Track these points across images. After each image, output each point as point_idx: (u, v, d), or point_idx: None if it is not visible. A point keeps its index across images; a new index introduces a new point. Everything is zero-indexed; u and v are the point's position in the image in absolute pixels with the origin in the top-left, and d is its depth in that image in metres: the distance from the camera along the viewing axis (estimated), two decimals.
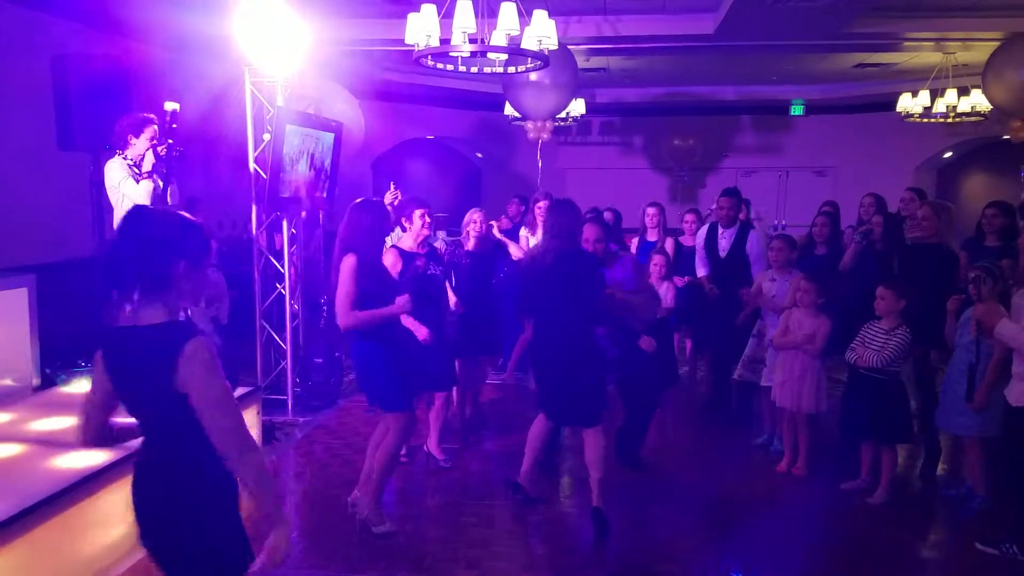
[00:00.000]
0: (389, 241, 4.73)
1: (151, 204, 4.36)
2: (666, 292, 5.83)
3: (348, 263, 3.72)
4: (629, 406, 4.88)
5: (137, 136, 4.37)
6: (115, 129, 4.44)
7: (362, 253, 3.75)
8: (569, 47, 7.71)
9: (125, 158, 4.39)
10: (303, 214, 6.35)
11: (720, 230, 5.81)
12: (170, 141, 4.42)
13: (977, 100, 8.65)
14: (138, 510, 2.14)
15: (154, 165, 4.38)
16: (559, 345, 3.98)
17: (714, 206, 6.44)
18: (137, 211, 2.12)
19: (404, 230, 4.67)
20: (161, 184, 4.44)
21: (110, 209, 4.53)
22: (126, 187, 4.32)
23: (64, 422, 4.31)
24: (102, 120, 5.79)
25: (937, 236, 4.89)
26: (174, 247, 2.00)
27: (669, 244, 6.63)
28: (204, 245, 2.11)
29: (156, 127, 4.43)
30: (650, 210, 6.79)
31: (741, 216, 6.09)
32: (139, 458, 2.16)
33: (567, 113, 10.19)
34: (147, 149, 4.36)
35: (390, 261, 4.36)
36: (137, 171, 4.36)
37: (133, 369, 2.01)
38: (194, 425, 1.96)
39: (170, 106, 4.45)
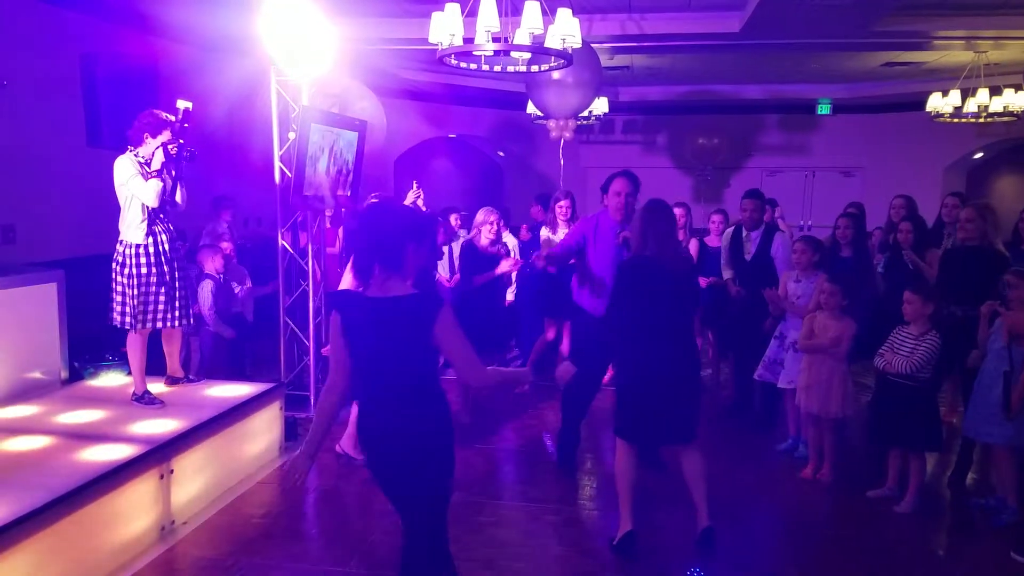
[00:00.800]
0: None
1: (158, 204, 4.33)
2: None
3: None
4: None
5: (154, 136, 4.32)
6: (135, 123, 4.38)
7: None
8: (593, 45, 7.67)
9: (136, 155, 4.34)
10: (328, 212, 6.38)
11: (745, 232, 5.76)
12: (181, 141, 4.35)
13: (1009, 100, 8.49)
14: (394, 443, 2.61)
15: (163, 164, 4.31)
16: (664, 358, 3.68)
17: (715, 216, 6.42)
18: (373, 207, 2.82)
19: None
20: (169, 183, 4.38)
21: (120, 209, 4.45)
22: (134, 184, 4.28)
23: (91, 415, 4.38)
24: (131, 119, 5.88)
25: (981, 238, 4.82)
26: (406, 232, 2.55)
27: (693, 245, 6.59)
28: (427, 229, 2.70)
29: (170, 132, 4.36)
30: (677, 210, 6.74)
31: (766, 218, 6.03)
32: (381, 403, 2.61)
33: (590, 112, 10.15)
34: (157, 148, 4.30)
35: None
36: (146, 168, 4.30)
37: (391, 327, 2.53)
38: (434, 367, 2.62)
39: (183, 104, 4.37)
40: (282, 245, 6.08)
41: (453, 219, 7.32)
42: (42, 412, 4.42)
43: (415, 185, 5.84)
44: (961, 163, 12.68)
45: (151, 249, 4.39)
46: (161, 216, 4.45)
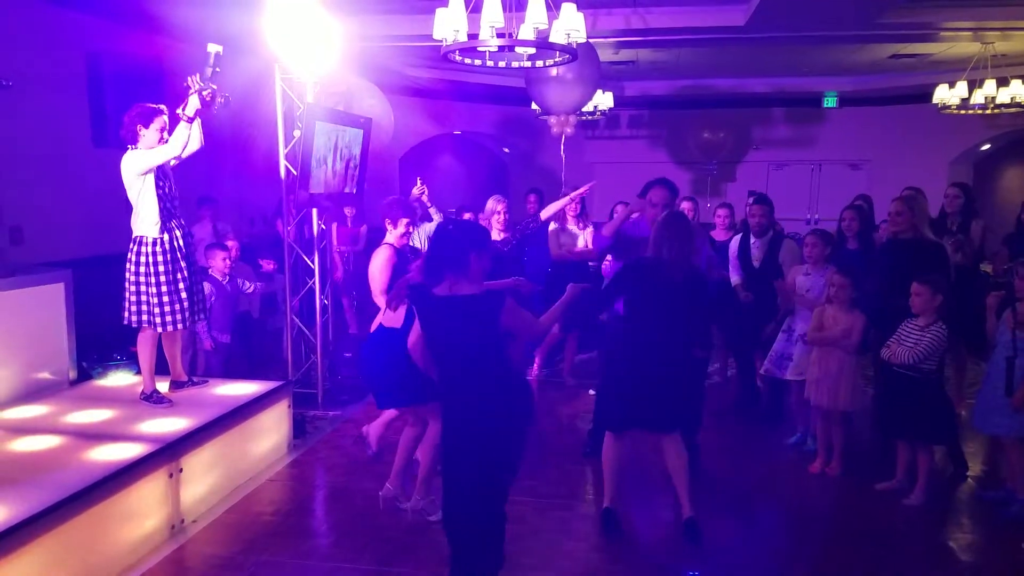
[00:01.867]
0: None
1: (182, 150, 4.19)
2: None
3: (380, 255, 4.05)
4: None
5: (147, 126, 4.24)
6: (123, 122, 4.28)
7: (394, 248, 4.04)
8: (597, 40, 7.65)
9: (138, 149, 4.27)
10: (349, 212, 6.35)
11: (752, 239, 5.75)
12: (214, 87, 4.20)
13: (1017, 91, 8.43)
14: (481, 426, 3.04)
15: (197, 111, 4.17)
16: (653, 354, 3.84)
17: (720, 210, 6.38)
18: (441, 226, 3.26)
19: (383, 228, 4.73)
20: (197, 136, 4.26)
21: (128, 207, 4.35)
22: (152, 157, 4.15)
23: (100, 415, 4.39)
24: None
25: (912, 230, 4.79)
26: (468, 243, 3.05)
27: None
28: (485, 239, 3.17)
29: (167, 118, 4.27)
30: (684, 205, 6.73)
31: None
32: (457, 389, 3.09)
33: (594, 106, 10.13)
34: (192, 94, 4.14)
35: (376, 260, 4.41)
36: (180, 113, 4.16)
37: (464, 321, 3.00)
38: (504, 353, 3.12)
39: (213, 48, 4.21)
40: (288, 243, 6.09)
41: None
42: (51, 412, 4.44)
43: (419, 181, 5.83)
44: (968, 155, 12.62)
45: (167, 246, 4.34)
46: (175, 212, 4.41)
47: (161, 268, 4.33)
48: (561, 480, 4.68)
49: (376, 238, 4.80)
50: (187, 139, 4.20)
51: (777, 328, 5.29)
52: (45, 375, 4.87)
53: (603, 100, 10.25)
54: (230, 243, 6.28)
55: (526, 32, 4.67)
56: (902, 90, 11.60)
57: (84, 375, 5.19)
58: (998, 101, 8.50)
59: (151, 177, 4.27)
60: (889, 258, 4.93)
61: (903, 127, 12.09)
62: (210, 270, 5.94)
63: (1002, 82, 8.48)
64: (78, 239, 6.18)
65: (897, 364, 4.29)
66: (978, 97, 8.52)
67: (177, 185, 4.47)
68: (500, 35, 4.60)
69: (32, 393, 4.68)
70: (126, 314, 4.41)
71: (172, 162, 4.34)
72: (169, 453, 3.89)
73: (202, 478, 4.16)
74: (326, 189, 5.95)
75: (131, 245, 4.37)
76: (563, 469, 4.86)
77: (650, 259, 3.91)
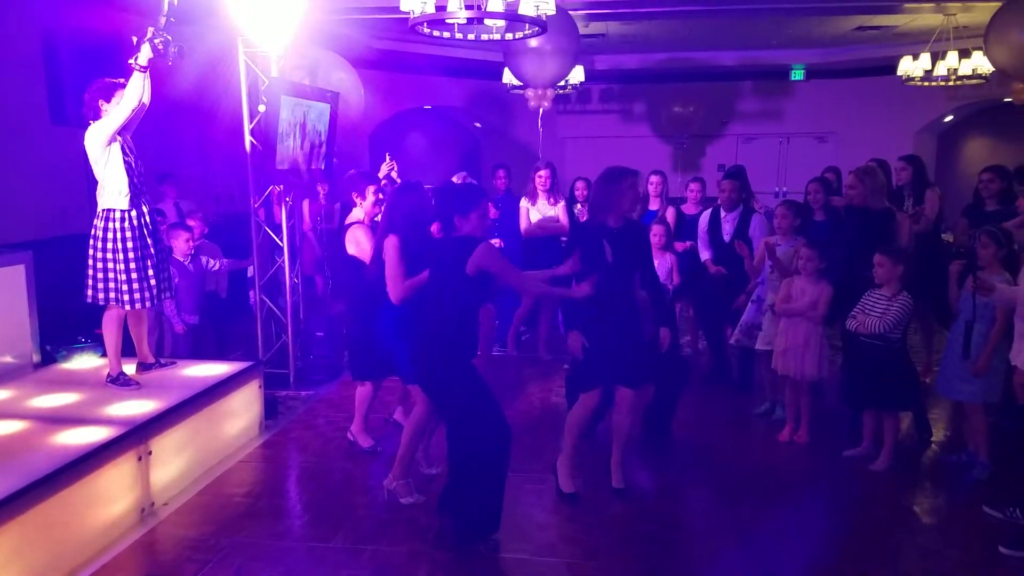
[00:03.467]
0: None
1: (149, 99, 4.10)
2: (669, 264, 5.82)
3: (391, 243, 3.96)
4: (659, 381, 4.81)
5: (108, 100, 4.14)
6: (84, 99, 4.18)
7: (403, 234, 3.97)
8: (568, 12, 7.58)
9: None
10: (323, 189, 6.28)
11: (723, 213, 5.78)
12: (168, 36, 4.04)
13: (978, 62, 8.52)
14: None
15: (151, 61, 4.03)
16: (621, 313, 3.97)
17: (693, 184, 6.41)
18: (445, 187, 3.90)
19: (353, 205, 4.68)
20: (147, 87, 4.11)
21: (88, 186, 4.27)
22: (117, 114, 4.04)
23: (65, 398, 4.32)
24: None
25: (864, 199, 4.93)
26: (467, 204, 3.55)
27: (670, 213, 6.59)
28: (482, 199, 3.62)
29: (155, 28, 4.06)
30: (653, 178, 6.74)
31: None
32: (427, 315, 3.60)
33: (566, 81, 10.06)
34: (144, 43, 3.98)
35: (359, 236, 4.41)
36: (132, 63, 4.02)
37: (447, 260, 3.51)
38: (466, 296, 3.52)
39: None
40: (255, 221, 6.00)
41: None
42: (15, 396, 4.35)
43: (388, 157, 5.75)
44: (932, 126, 12.78)
45: (135, 221, 4.23)
46: (142, 188, 4.29)
47: (130, 244, 4.22)
48: (533, 455, 4.70)
49: (343, 217, 4.76)
50: (142, 89, 4.06)
51: (747, 299, 5.34)
52: (8, 359, 4.77)
53: (574, 74, 10.19)
54: (193, 223, 6.16)
55: (495, 4, 4.61)
56: (867, 62, 11.68)
57: (48, 358, 5.10)
58: (960, 73, 8.59)
59: (117, 148, 4.16)
60: (845, 229, 5.08)
61: (869, 99, 12.19)
62: (172, 252, 5.82)
63: (964, 54, 8.57)
64: (38, 219, 6.04)
65: (864, 334, 4.36)
66: (941, 69, 8.60)
67: (141, 163, 4.35)
68: (469, 7, 4.54)
69: None
70: (90, 291, 4.28)
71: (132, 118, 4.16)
72: (137, 436, 3.84)
73: (172, 460, 4.12)
74: (292, 165, 5.86)
75: (96, 221, 4.24)
76: (534, 446, 4.88)
77: (597, 222, 4.00)
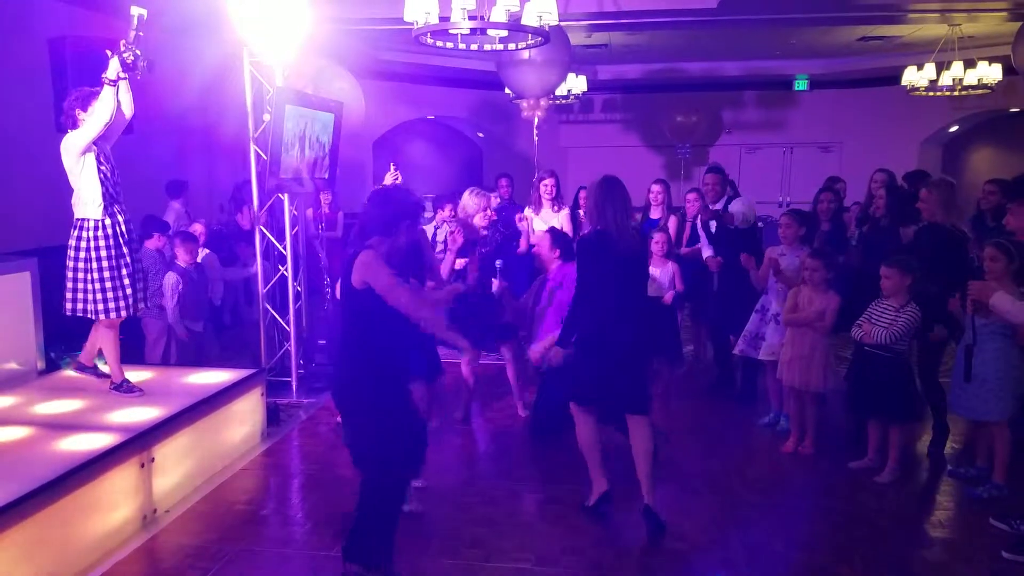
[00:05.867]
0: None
1: (110, 114, 4.03)
2: (671, 272, 5.82)
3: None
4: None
5: (84, 109, 4.11)
6: (63, 108, 4.16)
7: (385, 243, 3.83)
8: (569, 23, 7.62)
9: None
10: (327, 198, 6.29)
11: (709, 206, 5.81)
12: (138, 52, 4.05)
13: (984, 72, 8.54)
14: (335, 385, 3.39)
15: (119, 75, 4.03)
16: (621, 329, 3.75)
17: (690, 195, 6.43)
18: (380, 191, 3.46)
19: None
20: (127, 102, 4.12)
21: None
22: (88, 127, 4.02)
23: (69, 405, 4.32)
24: None
25: (933, 216, 4.74)
26: (401, 211, 3.19)
27: (672, 222, 6.60)
28: (418, 208, 3.31)
29: (126, 41, 4.06)
30: (655, 187, 6.76)
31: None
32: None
33: (568, 90, 10.11)
34: (112, 58, 4.00)
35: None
36: (102, 77, 4.02)
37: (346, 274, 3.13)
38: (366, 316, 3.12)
39: (137, 11, 4.08)
40: (259, 229, 6.02)
41: (448, 210, 7.10)
42: (19, 403, 4.36)
43: (392, 167, 5.77)
44: (937, 136, 12.80)
45: (110, 230, 4.19)
46: (117, 197, 4.25)
47: (104, 253, 4.18)
48: (532, 463, 4.69)
49: (353, 224, 4.73)
50: (113, 103, 4.04)
51: (750, 296, 5.33)
52: (12, 365, 4.78)
53: (576, 84, 10.24)
54: (196, 227, 6.18)
55: (498, 14, 4.64)
56: (871, 72, 11.72)
57: (52, 365, 5.11)
58: (965, 83, 8.61)
59: (92, 158, 4.12)
60: (920, 246, 4.81)
61: (873, 110, 12.22)
62: (176, 259, 5.84)
63: (969, 64, 8.59)
64: (43, 228, 6.05)
65: (869, 344, 4.34)
66: (946, 79, 8.63)
67: (119, 171, 4.29)
68: (472, 17, 4.56)
69: None
70: (69, 304, 4.23)
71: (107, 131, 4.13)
72: (140, 443, 3.84)
73: (174, 468, 4.12)
74: (296, 174, 5.88)
75: (72, 231, 4.21)
76: (535, 453, 4.87)
77: (599, 233, 3.77)
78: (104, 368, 4.67)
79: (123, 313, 4.32)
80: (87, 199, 4.16)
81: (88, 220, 4.18)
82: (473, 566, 3.51)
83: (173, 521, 3.93)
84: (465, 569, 3.48)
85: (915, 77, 8.81)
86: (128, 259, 4.29)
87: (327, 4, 7.15)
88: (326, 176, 6.36)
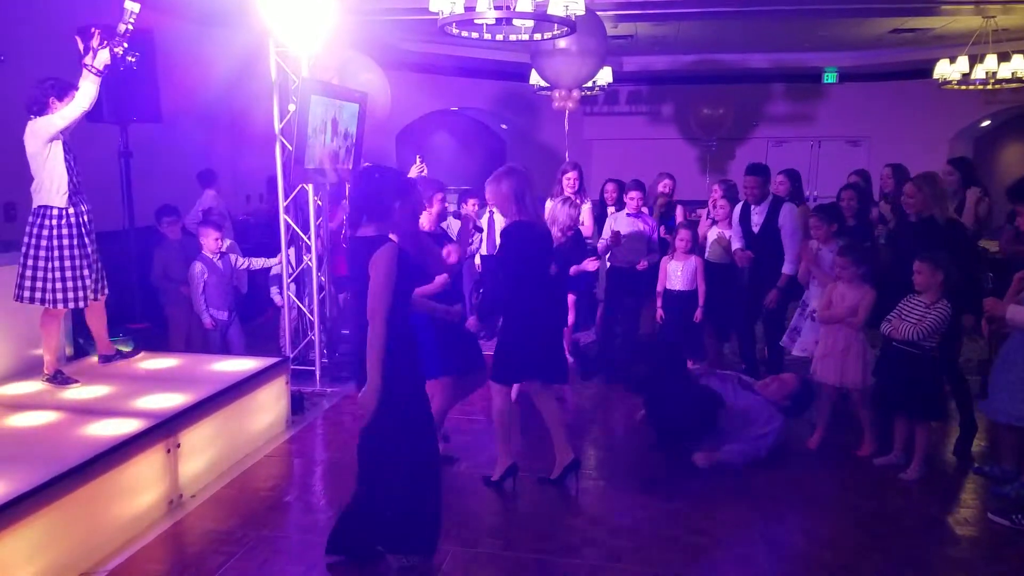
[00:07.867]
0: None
1: (90, 104, 4.06)
2: (694, 266, 5.80)
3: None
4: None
5: (61, 100, 4.10)
6: (35, 94, 4.12)
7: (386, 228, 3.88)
8: (597, 13, 7.56)
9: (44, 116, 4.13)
10: (327, 186, 6.34)
11: (752, 207, 5.74)
12: (126, 45, 4.07)
13: (1018, 66, 8.36)
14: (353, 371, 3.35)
15: (107, 66, 4.04)
16: (548, 307, 4.14)
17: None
18: (367, 170, 3.29)
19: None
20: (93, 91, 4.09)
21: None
22: (59, 119, 4.02)
23: (97, 391, 4.39)
24: (130, 92, 5.81)
25: (927, 209, 4.69)
26: (393, 192, 3.10)
27: (679, 211, 6.66)
28: (411, 189, 3.22)
29: (119, 35, 4.12)
30: (664, 181, 6.87)
31: (780, 191, 6.00)
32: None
33: (593, 82, 10.04)
34: (102, 48, 4.03)
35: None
36: (88, 66, 4.03)
37: (355, 262, 3.13)
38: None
39: (131, 6, 4.09)
40: (284, 219, 6.05)
41: (471, 204, 7.12)
42: (48, 388, 4.43)
43: (418, 159, 5.78)
44: (968, 131, 12.58)
45: (73, 220, 4.18)
46: (79, 188, 4.25)
47: (66, 243, 4.16)
48: (520, 451, 4.66)
49: None
50: (96, 92, 4.05)
51: (778, 294, 5.33)
52: (41, 351, 4.85)
53: (602, 75, 10.16)
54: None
55: (524, 4, 4.62)
56: (902, 65, 11.53)
57: (80, 351, 5.18)
58: (999, 76, 8.44)
59: (59, 146, 4.12)
60: (906, 240, 4.81)
61: (903, 103, 12.02)
62: (202, 249, 5.89)
63: (1003, 57, 8.42)
64: None
65: (898, 339, 4.28)
66: (979, 72, 8.46)
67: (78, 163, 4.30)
68: (498, 7, 4.55)
69: (29, 369, 4.67)
70: (26, 292, 4.18)
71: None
72: (167, 428, 3.89)
73: (200, 454, 4.17)
74: (321, 165, 5.91)
75: (31, 218, 4.18)
76: (521, 442, 4.83)
77: (522, 223, 4.01)
78: (124, 348, 4.73)
79: (81, 304, 4.32)
80: (51, 187, 4.14)
81: (52, 208, 4.15)
82: (493, 554, 3.51)
83: (198, 506, 3.98)
84: (484, 557, 3.49)
85: (947, 70, 8.65)
86: (89, 249, 4.29)
87: None
88: (350, 167, 6.38)
